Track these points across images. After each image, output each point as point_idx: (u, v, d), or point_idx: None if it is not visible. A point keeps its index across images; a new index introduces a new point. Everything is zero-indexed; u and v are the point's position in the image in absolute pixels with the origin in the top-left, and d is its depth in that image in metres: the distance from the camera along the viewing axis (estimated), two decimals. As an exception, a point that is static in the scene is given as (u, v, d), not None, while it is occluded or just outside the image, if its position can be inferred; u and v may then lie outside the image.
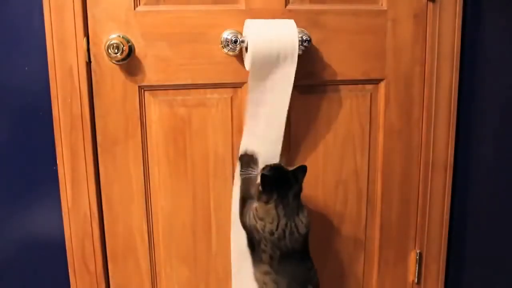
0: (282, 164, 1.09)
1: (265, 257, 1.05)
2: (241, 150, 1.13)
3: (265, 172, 1.04)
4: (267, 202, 1.03)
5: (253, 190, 1.09)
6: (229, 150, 1.20)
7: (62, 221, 1.15)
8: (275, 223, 1.03)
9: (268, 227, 1.03)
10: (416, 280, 1.37)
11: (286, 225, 1.03)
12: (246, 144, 1.13)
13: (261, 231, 1.04)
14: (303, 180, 1.07)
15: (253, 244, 1.08)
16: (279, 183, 1.03)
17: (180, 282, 1.25)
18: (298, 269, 1.08)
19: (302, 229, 1.05)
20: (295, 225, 1.04)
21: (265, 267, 1.06)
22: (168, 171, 1.18)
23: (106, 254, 1.19)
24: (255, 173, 1.09)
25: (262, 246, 1.05)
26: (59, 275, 1.18)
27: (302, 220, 1.05)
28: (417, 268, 1.36)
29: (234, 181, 1.16)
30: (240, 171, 1.12)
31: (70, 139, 1.11)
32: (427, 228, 1.34)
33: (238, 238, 1.14)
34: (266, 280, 1.06)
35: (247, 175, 1.10)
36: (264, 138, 1.13)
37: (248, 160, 1.11)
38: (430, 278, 1.38)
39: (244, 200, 1.10)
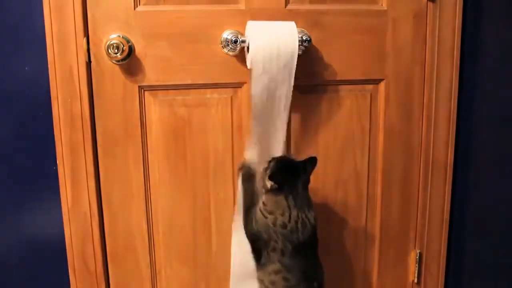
0: (288, 156, 1.09)
1: (274, 256, 1.03)
2: (245, 158, 1.14)
3: (273, 161, 1.04)
4: (276, 193, 1.02)
5: (256, 197, 1.08)
6: (229, 150, 1.20)
7: (62, 221, 1.15)
8: (287, 214, 1.01)
9: (280, 219, 1.01)
10: (416, 280, 1.37)
11: (298, 216, 1.02)
12: (251, 150, 1.13)
13: (272, 225, 1.02)
14: (312, 172, 1.06)
15: (258, 252, 1.06)
16: (288, 173, 1.03)
17: (180, 282, 1.25)
18: (306, 264, 1.06)
19: (313, 220, 1.04)
20: (306, 216, 1.03)
21: (275, 266, 1.04)
22: (168, 171, 1.18)
23: (106, 254, 1.19)
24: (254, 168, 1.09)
25: (273, 243, 1.03)
26: (59, 275, 1.18)
27: (312, 212, 1.04)
28: (417, 268, 1.36)
29: (238, 188, 1.16)
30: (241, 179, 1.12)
31: (70, 139, 1.11)
32: (427, 228, 1.34)
33: (240, 247, 1.13)
34: (275, 279, 1.04)
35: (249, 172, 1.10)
36: (268, 137, 1.13)
37: (246, 171, 1.12)
38: (430, 278, 1.38)
39: (248, 209, 1.09)
